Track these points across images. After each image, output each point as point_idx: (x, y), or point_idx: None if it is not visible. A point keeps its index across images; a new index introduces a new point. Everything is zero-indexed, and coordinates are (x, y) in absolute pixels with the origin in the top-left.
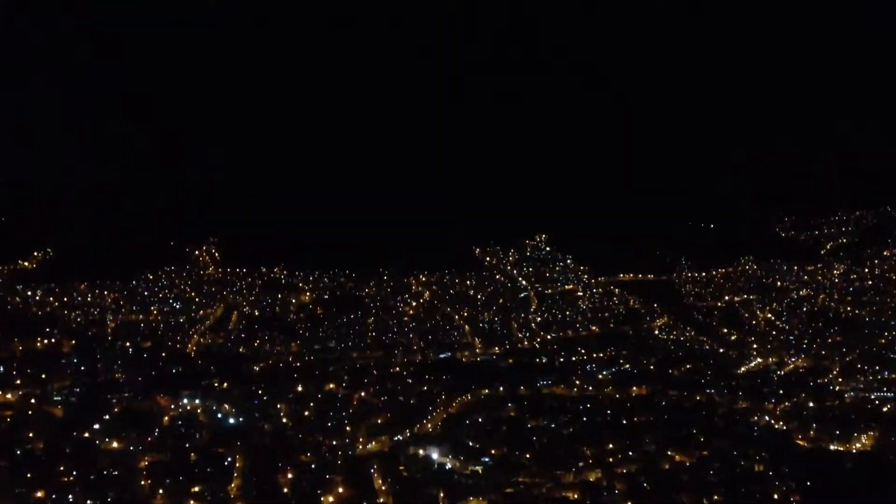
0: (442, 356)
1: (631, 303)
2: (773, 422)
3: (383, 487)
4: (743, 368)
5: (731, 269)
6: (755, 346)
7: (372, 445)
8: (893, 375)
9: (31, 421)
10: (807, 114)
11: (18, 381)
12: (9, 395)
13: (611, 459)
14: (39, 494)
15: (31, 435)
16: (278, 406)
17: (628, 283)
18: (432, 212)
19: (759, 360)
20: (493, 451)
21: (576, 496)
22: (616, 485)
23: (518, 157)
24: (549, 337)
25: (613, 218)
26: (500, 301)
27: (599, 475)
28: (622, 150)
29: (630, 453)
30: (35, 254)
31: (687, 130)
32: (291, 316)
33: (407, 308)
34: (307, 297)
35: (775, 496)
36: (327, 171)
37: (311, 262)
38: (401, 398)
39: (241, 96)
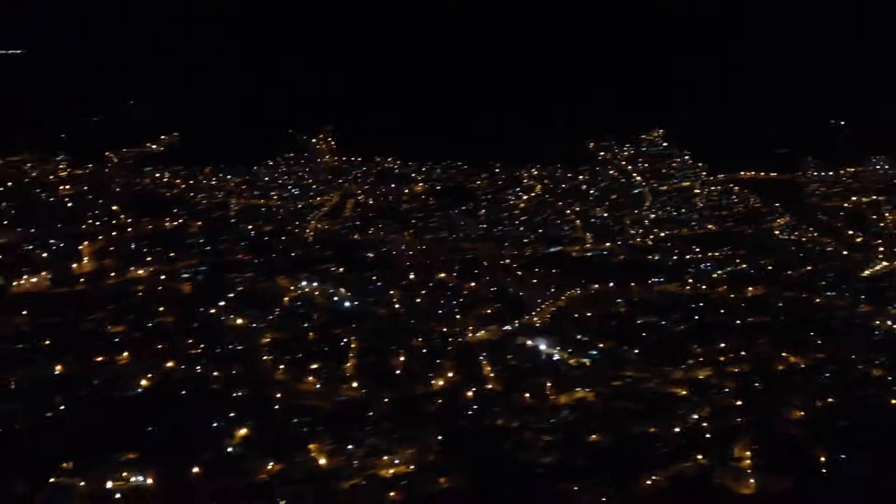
0: (552, 250)
1: (751, 201)
2: (895, 326)
3: (491, 375)
4: (867, 272)
5: (860, 169)
6: (881, 249)
7: (481, 334)
8: None
9: (160, 296)
10: None
11: (149, 259)
12: (140, 272)
13: (722, 358)
14: (170, 364)
15: (160, 309)
16: (391, 292)
17: (749, 182)
18: (545, 103)
19: (884, 263)
20: (601, 345)
21: (684, 393)
22: (726, 383)
23: (634, 50)
24: (662, 234)
25: (735, 113)
26: (614, 197)
27: (710, 373)
28: (746, 43)
29: (742, 353)
30: (162, 137)
31: (817, 20)
32: (404, 206)
33: (518, 201)
34: (420, 187)
35: (893, 401)
36: (440, 64)
37: (425, 152)
38: (510, 290)
39: None
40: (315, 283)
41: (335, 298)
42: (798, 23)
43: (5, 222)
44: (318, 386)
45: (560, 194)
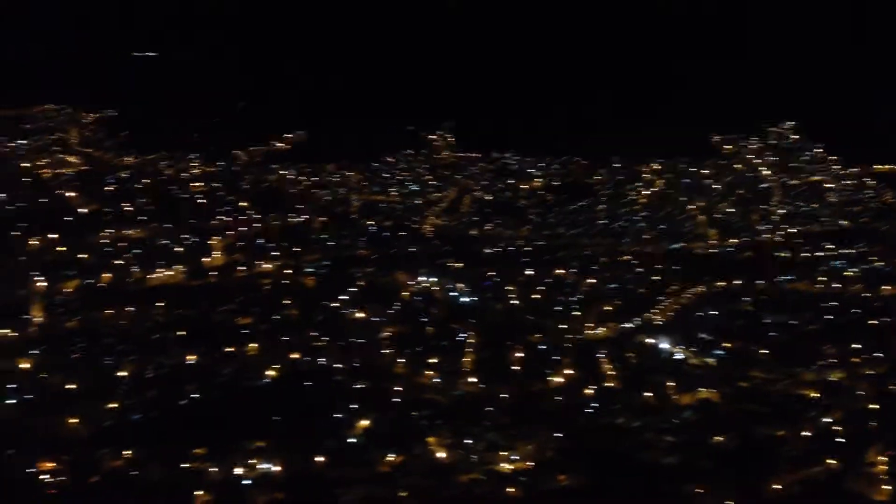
0: (674, 246)
1: (886, 197)
2: None
3: (611, 372)
4: None
5: None
6: None
7: (600, 331)
8: None
9: (286, 290)
10: None
11: (275, 254)
12: (267, 266)
13: (855, 360)
14: (295, 356)
15: (286, 302)
16: (509, 288)
17: (885, 175)
18: (668, 98)
19: None
20: (726, 345)
21: (815, 395)
22: (860, 386)
23: (763, 40)
24: (792, 231)
25: (869, 103)
26: (740, 191)
27: (843, 375)
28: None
29: (877, 354)
30: (287, 136)
31: None
32: (522, 201)
33: (638, 196)
34: (538, 182)
35: None
36: (560, 59)
37: (542, 148)
38: (630, 286)
39: None
40: (433, 278)
41: (453, 293)
42: None
43: (143, 218)
44: (436, 380)
45: (683, 189)
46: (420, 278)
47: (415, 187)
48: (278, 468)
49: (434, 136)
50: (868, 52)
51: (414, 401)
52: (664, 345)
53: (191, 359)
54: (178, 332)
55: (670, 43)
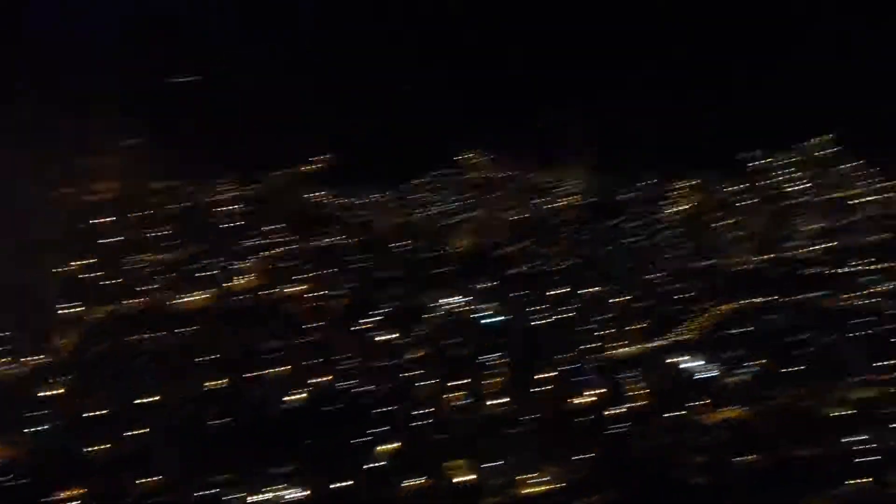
0: (705, 263)
1: None
2: None
3: (641, 391)
4: None
5: None
6: None
7: (630, 349)
8: None
9: (314, 312)
10: None
11: (305, 276)
12: (295, 288)
13: (887, 377)
14: (322, 379)
15: (315, 325)
16: (537, 307)
17: None
18: (698, 112)
19: None
20: (757, 362)
21: (848, 412)
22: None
23: (796, 48)
24: (828, 245)
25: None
26: (772, 207)
27: (876, 393)
28: None
29: None
30: (319, 157)
31: None
32: (553, 220)
33: (668, 213)
34: (569, 200)
35: None
36: (589, 76)
37: (574, 167)
38: (661, 305)
39: None
40: (462, 299)
41: (483, 313)
42: None
43: (175, 242)
44: (464, 402)
45: (715, 205)
46: (449, 299)
47: (444, 207)
48: (305, 493)
49: (465, 156)
50: None
51: (441, 423)
52: (694, 363)
53: (218, 383)
54: (207, 357)
55: (703, 56)
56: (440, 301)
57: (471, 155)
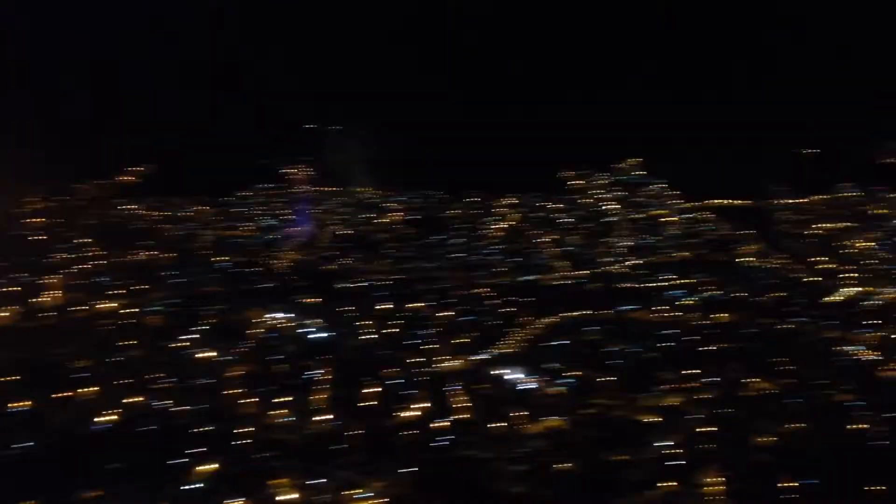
0: (526, 278)
1: (722, 229)
2: (862, 352)
3: (464, 404)
4: (835, 297)
5: (829, 197)
6: (850, 275)
7: (454, 363)
8: None
9: (130, 329)
10: None
11: (118, 292)
12: (109, 304)
13: (692, 385)
14: (138, 399)
15: (129, 343)
16: (364, 322)
17: (721, 209)
18: (521, 134)
19: (852, 289)
20: (573, 373)
21: (655, 419)
22: (695, 410)
23: (609, 79)
24: (635, 262)
25: (709, 141)
26: (587, 225)
27: (680, 400)
28: (722, 71)
29: (712, 380)
30: (136, 168)
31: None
32: (379, 235)
33: (492, 230)
34: (396, 216)
35: (860, 426)
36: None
37: (401, 182)
38: (483, 319)
39: None
40: (287, 315)
41: (307, 329)
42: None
43: None
44: (288, 419)
45: (536, 222)
46: (273, 314)
47: (269, 222)
48: None
49: (291, 170)
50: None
51: (265, 441)
52: (516, 375)
53: (22, 405)
54: (10, 378)
55: (529, 82)
56: (264, 317)
57: (295, 170)
